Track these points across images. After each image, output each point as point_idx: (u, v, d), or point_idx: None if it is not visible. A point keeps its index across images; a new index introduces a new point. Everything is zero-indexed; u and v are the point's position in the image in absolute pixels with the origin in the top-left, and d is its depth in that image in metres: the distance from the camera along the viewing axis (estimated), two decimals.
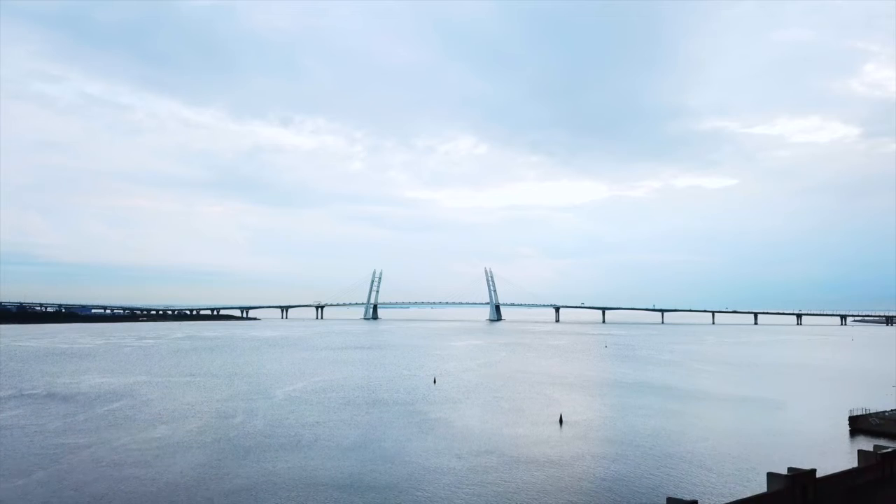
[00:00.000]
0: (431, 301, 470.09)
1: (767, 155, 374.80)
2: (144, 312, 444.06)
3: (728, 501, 34.67)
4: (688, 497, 33.45)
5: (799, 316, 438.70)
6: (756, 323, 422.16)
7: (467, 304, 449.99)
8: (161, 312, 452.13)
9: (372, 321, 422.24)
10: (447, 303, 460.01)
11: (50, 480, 46.80)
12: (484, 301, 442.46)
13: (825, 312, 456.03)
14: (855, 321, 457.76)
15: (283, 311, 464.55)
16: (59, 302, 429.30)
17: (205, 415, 74.36)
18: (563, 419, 71.35)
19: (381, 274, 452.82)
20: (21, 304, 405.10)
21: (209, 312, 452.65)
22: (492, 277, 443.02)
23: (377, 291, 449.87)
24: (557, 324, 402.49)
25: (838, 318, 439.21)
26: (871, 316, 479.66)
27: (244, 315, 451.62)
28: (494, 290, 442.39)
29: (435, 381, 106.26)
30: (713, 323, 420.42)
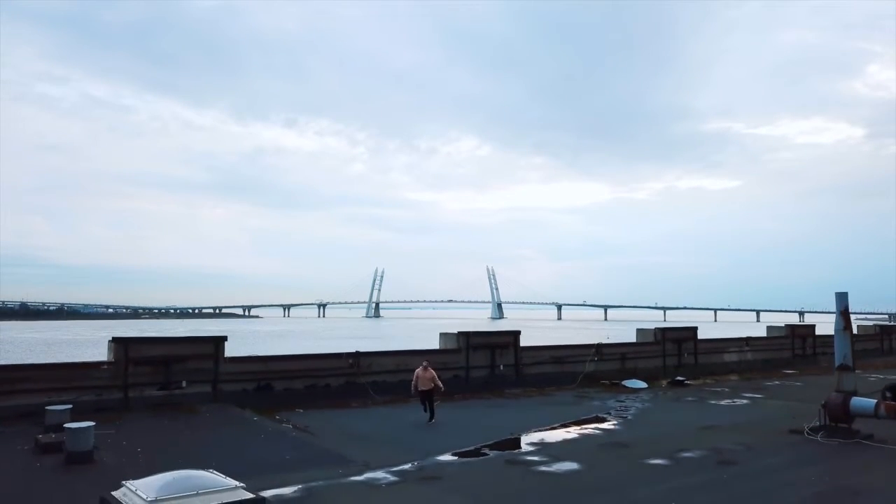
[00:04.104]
0: (433, 300, 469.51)
1: (771, 156, 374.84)
2: (147, 311, 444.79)
3: (734, 336, 35.45)
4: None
5: (801, 314, 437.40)
6: (758, 320, 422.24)
7: (469, 302, 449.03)
8: (164, 311, 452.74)
9: (374, 319, 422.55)
10: (449, 301, 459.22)
11: None
12: (486, 301, 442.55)
13: (828, 311, 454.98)
14: (858, 319, 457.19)
15: (285, 309, 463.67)
16: (61, 301, 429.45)
17: None
18: None
19: (382, 272, 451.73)
20: (24, 302, 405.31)
21: (211, 311, 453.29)
22: (493, 276, 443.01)
23: (379, 290, 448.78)
24: (560, 321, 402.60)
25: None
26: (873, 314, 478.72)
27: (246, 313, 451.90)
28: (496, 288, 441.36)
29: None
30: (715, 320, 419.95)
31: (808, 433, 16.97)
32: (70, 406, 15.83)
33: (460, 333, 25.47)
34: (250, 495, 10.54)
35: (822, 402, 17.50)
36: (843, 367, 17.46)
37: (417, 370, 19.56)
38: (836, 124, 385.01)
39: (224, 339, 20.32)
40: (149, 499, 9.72)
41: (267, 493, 11.34)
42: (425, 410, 19.14)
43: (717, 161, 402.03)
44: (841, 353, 17.60)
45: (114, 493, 10.48)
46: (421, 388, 19.28)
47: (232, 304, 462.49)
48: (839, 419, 17.08)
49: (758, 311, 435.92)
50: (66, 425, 13.60)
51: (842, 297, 17.78)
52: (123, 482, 10.51)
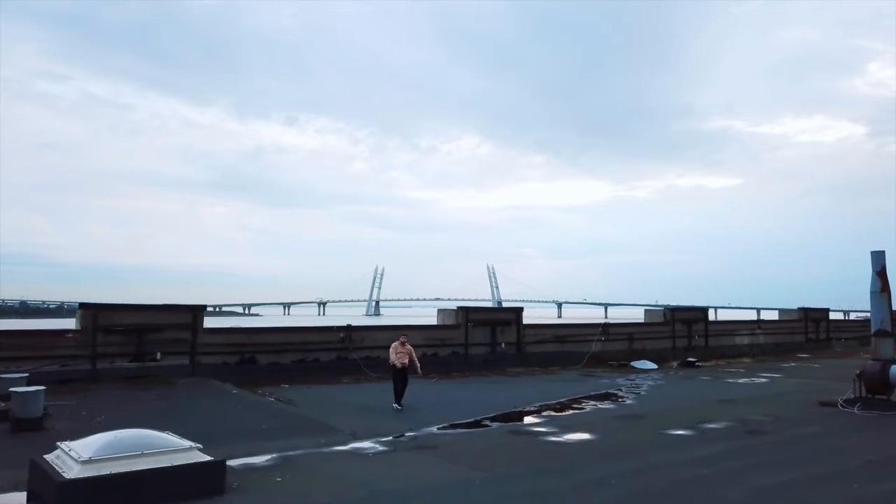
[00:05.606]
0: (434, 298, 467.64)
1: (772, 155, 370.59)
2: None
3: (743, 319, 34.13)
4: None
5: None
6: (759, 318, 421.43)
7: (470, 300, 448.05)
8: None
9: (375, 317, 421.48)
10: (449, 299, 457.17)
11: None
12: (487, 298, 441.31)
13: (829, 308, 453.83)
14: (858, 316, 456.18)
15: (285, 307, 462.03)
16: (61, 300, 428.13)
17: None
18: None
19: (383, 270, 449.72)
20: (23, 301, 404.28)
21: (211, 309, 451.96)
22: (494, 274, 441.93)
23: (379, 288, 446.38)
24: (560, 318, 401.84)
25: (841, 314, 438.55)
26: None
27: (246, 312, 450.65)
28: (496, 286, 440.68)
29: None
30: (716, 318, 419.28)
31: (842, 405, 15.42)
32: (26, 375, 14.30)
33: (460, 309, 23.93)
34: (206, 457, 8.89)
35: (858, 372, 15.95)
36: (882, 333, 15.90)
37: (395, 343, 16.33)
38: (838, 122, 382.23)
39: (203, 308, 18.77)
40: (82, 459, 8.11)
41: (235, 462, 9.81)
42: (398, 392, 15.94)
43: (717, 159, 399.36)
44: (878, 318, 16.05)
45: (46, 455, 8.98)
46: (393, 361, 16.04)
47: (232, 303, 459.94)
48: (876, 390, 15.53)
49: (758, 310, 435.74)
50: (12, 389, 12.07)
51: (878, 256, 16.17)
52: (58, 443, 8.96)
